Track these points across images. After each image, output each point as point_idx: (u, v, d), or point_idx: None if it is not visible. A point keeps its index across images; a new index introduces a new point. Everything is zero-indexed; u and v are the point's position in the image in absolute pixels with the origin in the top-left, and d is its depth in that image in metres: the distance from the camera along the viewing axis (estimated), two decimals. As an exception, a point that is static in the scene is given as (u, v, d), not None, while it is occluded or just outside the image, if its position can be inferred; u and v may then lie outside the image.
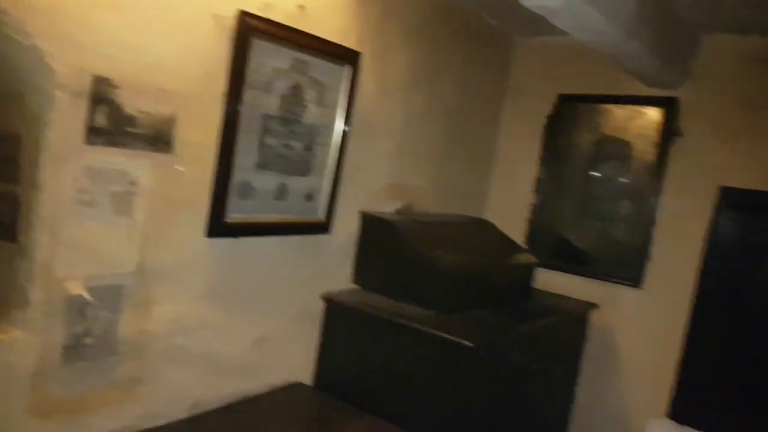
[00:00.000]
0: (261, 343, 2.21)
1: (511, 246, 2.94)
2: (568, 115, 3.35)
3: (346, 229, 2.47)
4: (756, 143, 2.78)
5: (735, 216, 2.60)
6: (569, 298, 3.02)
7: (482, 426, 2.24)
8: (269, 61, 1.94)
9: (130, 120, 1.60)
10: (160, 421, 1.89)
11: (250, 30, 1.83)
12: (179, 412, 1.95)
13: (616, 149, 3.21)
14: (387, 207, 2.68)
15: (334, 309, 2.41)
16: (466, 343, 2.05)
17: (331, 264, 2.45)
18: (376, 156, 2.60)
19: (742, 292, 2.58)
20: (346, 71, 2.25)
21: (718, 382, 2.58)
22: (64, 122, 1.47)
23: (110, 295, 1.67)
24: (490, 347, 2.15)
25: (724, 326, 2.60)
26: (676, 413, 2.63)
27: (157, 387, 1.87)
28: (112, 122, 1.56)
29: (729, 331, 2.59)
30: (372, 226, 2.50)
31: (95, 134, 1.54)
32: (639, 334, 3.07)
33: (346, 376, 2.38)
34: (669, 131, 3.00)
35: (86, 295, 1.59)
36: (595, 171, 3.27)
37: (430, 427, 2.12)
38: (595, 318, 3.07)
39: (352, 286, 2.55)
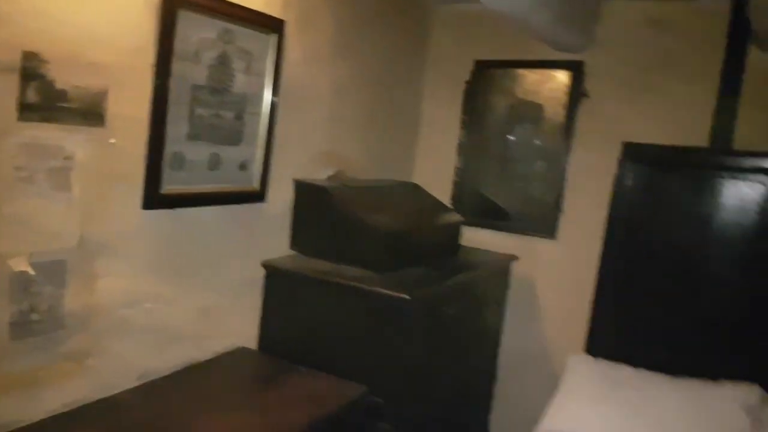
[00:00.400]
0: (205, 311, 2.26)
1: (439, 207, 3.10)
2: (485, 80, 3.50)
3: (281, 197, 2.54)
4: (653, 101, 3.03)
5: (637, 169, 2.82)
6: (493, 252, 3.21)
7: (420, 373, 2.40)
8: (196, 31, 1.97)
9: (63, 95, 1.61)
10: (112, 392, 1.93)
11: (175, 1, 1.85)
12: (128, 382, 1.99)
13: (529, 112, 3.41)
14: (319, 174, 2.76)
15: (275, 275, 2.48)
16: (404, 296, 2.19)
17: (268, 231, 2.52)
18: (306, 124, 2.66)
19: (643, 236, 2.81)
20: (272, 40, 2.29)
21: (626, 317, 2.83)
22: (-7, 99, 1.47)
23: (54, 271, 1.68)
24: (425, 299, 2.30)
25: (629, 268, 2.83)
26: (592, 348, 2.83)
27: (105, 359, 1.90)
28: (45, 98, 1.56)
29: (633, 272, 2.82)
30: (306, 192, 2.58)
31: (28, 110, 1.53)
32: (556, 280, 3.33)
33: (290, 337, 2.48)
34: (576, 93, 3.21)
35: (30, 271, 1.60)
36: (511, 133, 3.46)
37: (371, 376, 2.24)
38: (516, 269, 3.27)
39: (290, 252, 2.62)
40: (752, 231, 2.58)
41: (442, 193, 3.47)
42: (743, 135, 2.72)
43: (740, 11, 2.58)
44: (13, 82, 1.49)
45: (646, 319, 2.78)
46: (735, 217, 2.61)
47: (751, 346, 2.56)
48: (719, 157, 2.67)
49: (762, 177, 2.56)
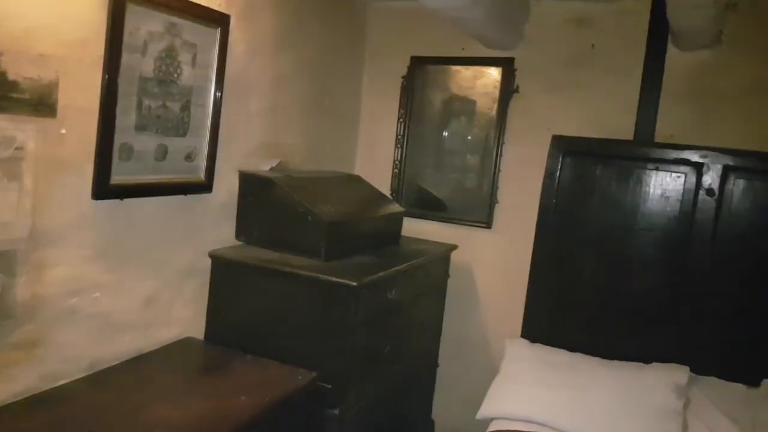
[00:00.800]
0: (151, 301, 2.29)
1: (381, 197, 3.21)
2: (421, 75, 3.64)
3: (226, 187, 2.58)
4: (580, 96, 3.22)
5: (566, 160, 2.98)
6: (432, 242, 3.32)
7: (365, 358, 2.49)
8: (144, 24, 1.99)
9: (14, 86, 1.61)
10: (61, 382, 1.94)
11: (125, -5, 1.88)
12: (77, 372, 2.00)
13: (463, 106, 3.57)
14: (263, 165, 2.81)
15: (221, 264, 2.53)
16: (350, 282, 2.28)
17: (214, 222, 2.56)
18: (250, 116, 2.71)
19: (574, 224, 2.96)
20: (217, 33, 2.33)
21: (559, 302, 2.98)
22: (-54, 88, 1.47)
23: (5, 260, 1.69)
24: (369, 286, 2.39)
25: (561, 255, 2.99)
26: (529, 333, 2.98)
27: (54, 348, 1.91)
28: (-4, 88, 1.57)
29: (565, 258, 2.99)
30: (251, 183, 2.64)
31: (-21, 100, 1.54)
32: (493, 268, 3.48)
33: (237, 326, 2.53)
34: (507, 88, 3.39)
35: (-18, 261, 1.60)
36: (446, 127, 3.61)
37: (318, 361, 2.33)
38: (455, 258, 3.39)
39: (236, 242, 2.67)
40: (675, 218, 2.78)
41: (383, 184, 3.59)
42: (664, 128, 2.93)
43: (659, 11, 2.73)
44: (-36, 72, 1.49)
45: (579, 303, 2.94)
46: (659, 206, 2.81)
47: (678, 330, 2.75)
48: (643, 149, 2.85)
49: (683, 168, 2.77)
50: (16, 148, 1.66)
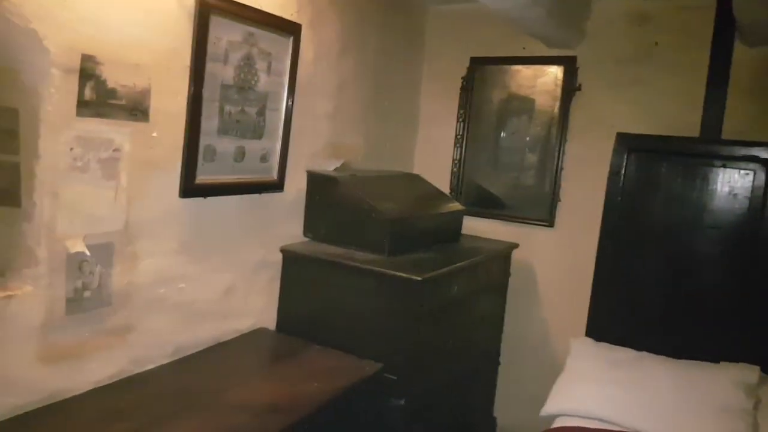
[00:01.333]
0: (230, 292, 2.44)
1: (440, 195, 3.28)
2: (480, 76, 3.69)
3: (295, 186, 2.72)
4: (643, 93, 3.20)
5: (631, 158, 2.96)
6: (493, 240, 3.36)
7: (429, 352, 2.57)
8: (225, 34, 2.14)
9: (113, 93, 1.78)
10: (149, 366, 2.11)
11: (208, 7, 2.02)
12: (163, 357, 2.17)
13: (523, 105, 3.58)
14: (328, 165, 2.94)
15: (291, 259, 2.66)
16: (414, 277, 2.37)
17: (284, 218, 2.70)
18: (316, 118, 2.84)
19: (639, 223, 2.93)
20: (289, 42, 2.47)
21: (624, 301, 2.95)
22: (58, 96, 1.64)
23: (103, 252, 1.86)
24: (432, 281, 2.47)
25: (626, 253, 2.95)
26: (593, 332, 2.96)
27: (143, 335, 2.08)
28: (98, 95, 1.74)
29: (630, 256, 2.95)
30: (318, 182, 2.76)
31: (84, 106, 1.71)
32: (555, 267, 3.49)
33: (305, 318, 2.65)
34: (569, 87, 3.40)
35: (86, 252, 1.77)
36: (506, 126, 3.64)
37: (383, 353, 2.42)
38: (517, 256, 3.41)
39: (304, 238, 2.81)
40: (743, 215, 2.73)
41: (442, 183, 3.65)
42: (731, 125, 2.87)
43: (725, 7, 2.69)
44: (73, 82, 1.67)
45: (645, 302, 2.91)
46: (726, 203, 2.76)
47: (748, 330, 2.70)
48: (710, 146, 2.81)
49: (751, 165, 2.71)
50: (114, 150, 1.82)
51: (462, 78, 3.71)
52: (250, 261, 2.53)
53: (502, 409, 3.59)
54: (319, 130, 2.89)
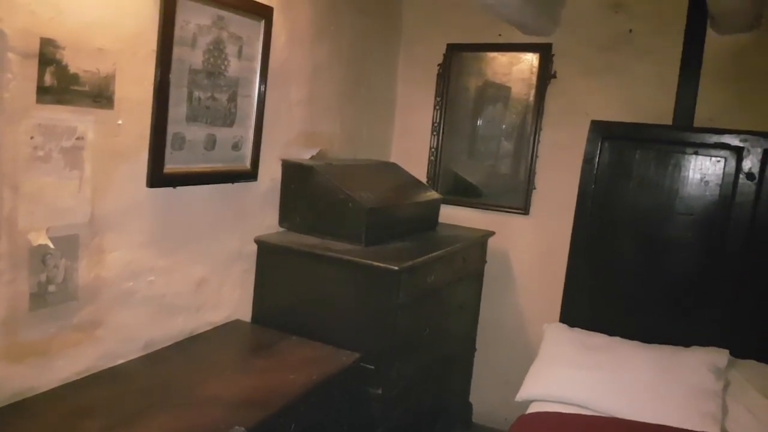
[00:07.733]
0: (202, 284, 2.38)
1: (417, 184, 3.25)
2: (457, 63, 3.65)
3: (269, 175, 2.66)
4: (617, 80, 3.21)
5: (606, 146, 2.98)
6: (469, 228, 3.36)
7: (405, 341, 2.55)
8: (193, 18, 2.07)
9: (75, 78, 1.70)
10: (119, 361, 2.05)
11: (176, -11, 1.95)
12: (134, 351, 2.11)
13: (500, 92, 3.57)
14: (304, 154, 2.88)
15: (267, 250, 2.62)
16: (392, 267, 2.34)
17: (258, 208, 2.64)
18: (290, 105, 2.78)
19: (612, 208, 2.95)
20: (261, 25, 2.40)
21: (598, 287, 2.98)
22: (16, 82, 1.56)
23: (68, 245, 1.79)
24: (409, 270, 2.45)
25: (599, 240, 2.99)
26: (567, 317, 2.99)
27: (112, 329, 2.01)
28: (59, 81, 1.66)
29: (604, 243, 2.99)
30: (293, 171, 2.71)
31: (44, 93, 1.63)
32: (530, 254, 3.50)
33: (281, 309, 2.61)
34: (545, 74, 3.39)
35: (50, 245, 1.70)
36: (482, 114, 3.62)
37: (360, 343, 2.40)
38: (493, 244, 3.42)
39: (279, 228, 2.76)
40: (714, 202, 2.76)
41: (419, 171, 3.63)
42: (703, 112, 2.89)
43: None
44: (32, 67, 1.59)
45: (618, 288, 2.95)
46: (698, 190, 2.79)
47: (718, 314, 2.75)
48: (682, 133, 2.83)
49: (722, 152, 2.74)
50: (77, 138, 1.75)
51: (438, 65, 3.67)
52: (224, 252, 2.48)
53: (479, 395, 3.61)
54: (294, 117, 2.83)
